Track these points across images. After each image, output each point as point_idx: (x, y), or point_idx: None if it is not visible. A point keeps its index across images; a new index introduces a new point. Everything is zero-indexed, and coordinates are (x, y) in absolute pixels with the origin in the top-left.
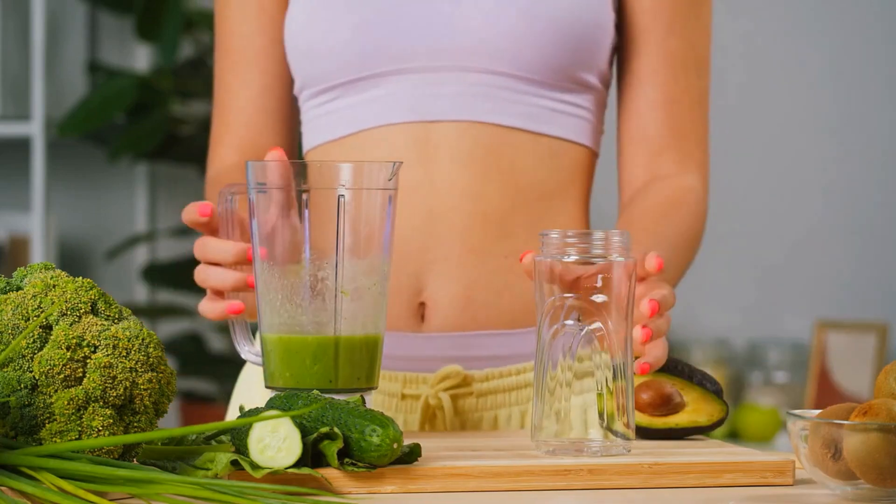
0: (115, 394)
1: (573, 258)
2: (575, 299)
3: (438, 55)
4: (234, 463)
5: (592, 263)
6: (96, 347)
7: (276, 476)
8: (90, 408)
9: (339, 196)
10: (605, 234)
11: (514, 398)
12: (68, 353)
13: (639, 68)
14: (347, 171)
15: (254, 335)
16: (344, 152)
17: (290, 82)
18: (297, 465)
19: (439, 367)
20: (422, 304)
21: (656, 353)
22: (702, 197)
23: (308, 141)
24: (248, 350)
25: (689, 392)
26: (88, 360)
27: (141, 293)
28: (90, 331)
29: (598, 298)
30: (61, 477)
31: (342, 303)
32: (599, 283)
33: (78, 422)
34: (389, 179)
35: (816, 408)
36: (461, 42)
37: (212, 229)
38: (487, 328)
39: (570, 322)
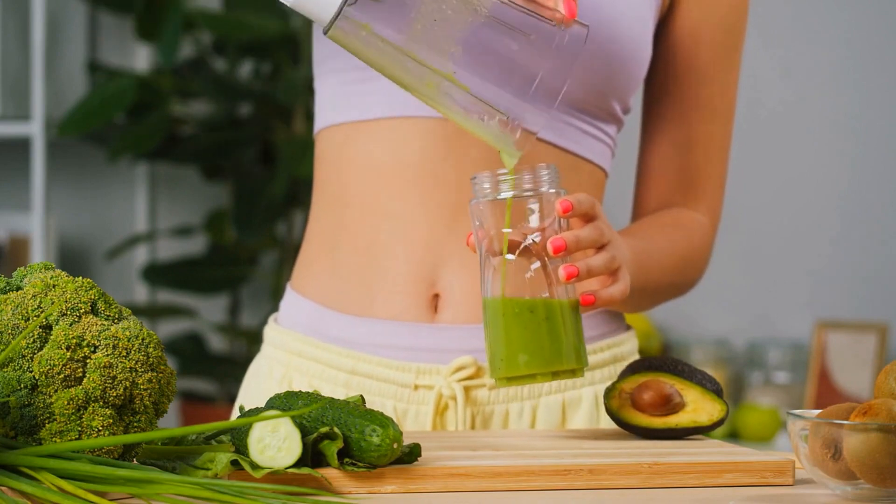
0: (115, 394)
1: (505, 195)
2: (512, 235)
3: None
4: (234, 463)
5: (525, 199)
6: (96, 347)
7: (276, 476)
8: (90, 408)
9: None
10: (533, 169)
11: (526, 392)
12: (68, 353)
13: (667, 109)
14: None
15: None
16: (377, 134)
17: None
18: (297, 465)
19: (452, 359)
20: (436, 296)
21: (611, 290)
22: (707, 233)
23: (328, 116)
24: None
25: (689, 392)
26: (88, 360)
27: (141, 293)
28: (90, 331)
29: (533, 238)
30: (61, 477)
31: None
32: (535, 221)
33: (78, 422)
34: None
35: (816, 408)
36: None
37: None
38: None
39: (510, 256)
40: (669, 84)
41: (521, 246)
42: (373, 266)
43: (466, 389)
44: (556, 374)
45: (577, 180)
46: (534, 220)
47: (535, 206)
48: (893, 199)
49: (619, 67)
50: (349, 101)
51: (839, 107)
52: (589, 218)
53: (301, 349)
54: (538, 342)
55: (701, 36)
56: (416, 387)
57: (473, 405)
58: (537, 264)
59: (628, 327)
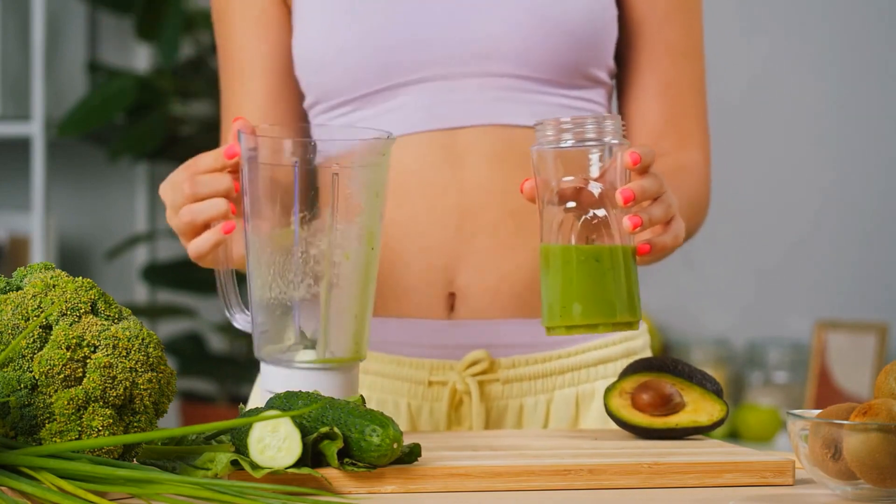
0: (115, 394)
1: (569, 143)
2: (574, 184)
3: (456, 62)
4: (234, 463)
5: (588, 148)
6: (96, 347)
7: (276, 476)
8: (90, 408)
9: (333, 175)
10: (597, 118)
11: (539, 386)
12: (68, 353)
13: (637, 58)
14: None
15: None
16: None
17: (297, 83)
18: (297, 465)
19: (464, 355)
20: (451, 295)
21: (664, 238)
22: (703, 170)
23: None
24: (240, 318)
25: (689, 392)
26: (88, 360)
27: (141, 293)
28: (90, 331)
29: (595, 186)
30: (61, 477)
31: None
32: (596, 170)
33: (78, 422)
34: (383, 155)
35: (816, 408)
36: (478, 48)
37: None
38: (515, 317)
39: (571, 204)
40: (635, 33)
41: (585, 195)
42: (384, 269)
43: (480, 384)
44: (616, 325)
45: None
46: (597, 170)
47: (600, 156)
48: (894, 198)
49: (590, 35)
50: (339, 132)
51: (840, 107)
52: (646, 168)
53: None
54: (602, 291)
55: None
56: (430, 383)
57: (488, 400)
58: (602, 213)
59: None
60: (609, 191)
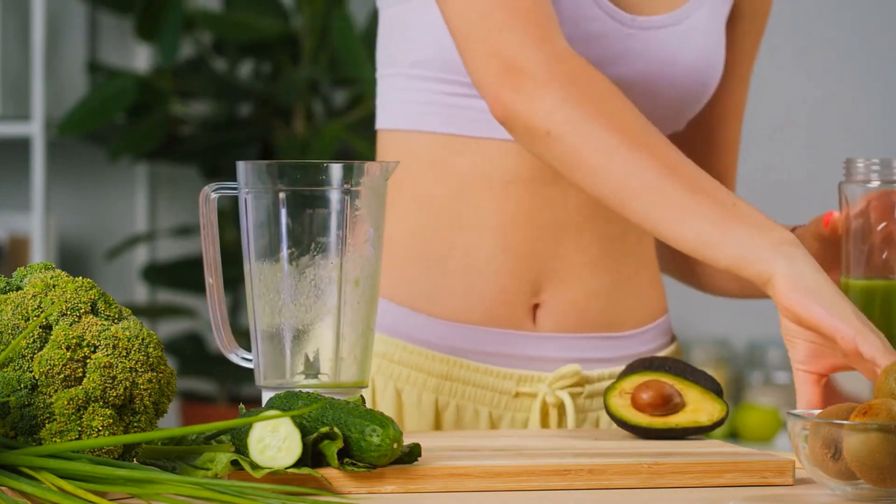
0: (115, 394)
1: (877, 184)
2: (887, 224)
3: None
4: (234, 463)
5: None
6: (96, 347)
7: (276, 476)
8: (90, 408)
9: (344, 196)
10: None
11: None
12: (68, 353)
13: (709, 114)
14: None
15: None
16: (473, 147)
17: None
18: (297, 465)
19: (551, 367)
20: (536, 306)
21: None
22: None
23: (423, 122)
24: (238, 354)
25: (689, 392)
26: (88, 360)
27: (141, 293)
28: (90, 331)
29: None
30: (61, 477)
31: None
32: None
33: (78, 422)
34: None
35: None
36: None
37: None
38: (598, 331)
39: (882, 241)
40: (715, 93)
41: (894, 233)
42: (472, 274)
43: (570, 397)
44: None
45: None
46: None
47: None
48: None
49: (703, 90)
50: (451, 112)
51: (840, 107)
52: None
53: (384, 351)
54: None
55: (745, 48)
56: (518, 394)
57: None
58: None
59: (674, 338)
60: None
